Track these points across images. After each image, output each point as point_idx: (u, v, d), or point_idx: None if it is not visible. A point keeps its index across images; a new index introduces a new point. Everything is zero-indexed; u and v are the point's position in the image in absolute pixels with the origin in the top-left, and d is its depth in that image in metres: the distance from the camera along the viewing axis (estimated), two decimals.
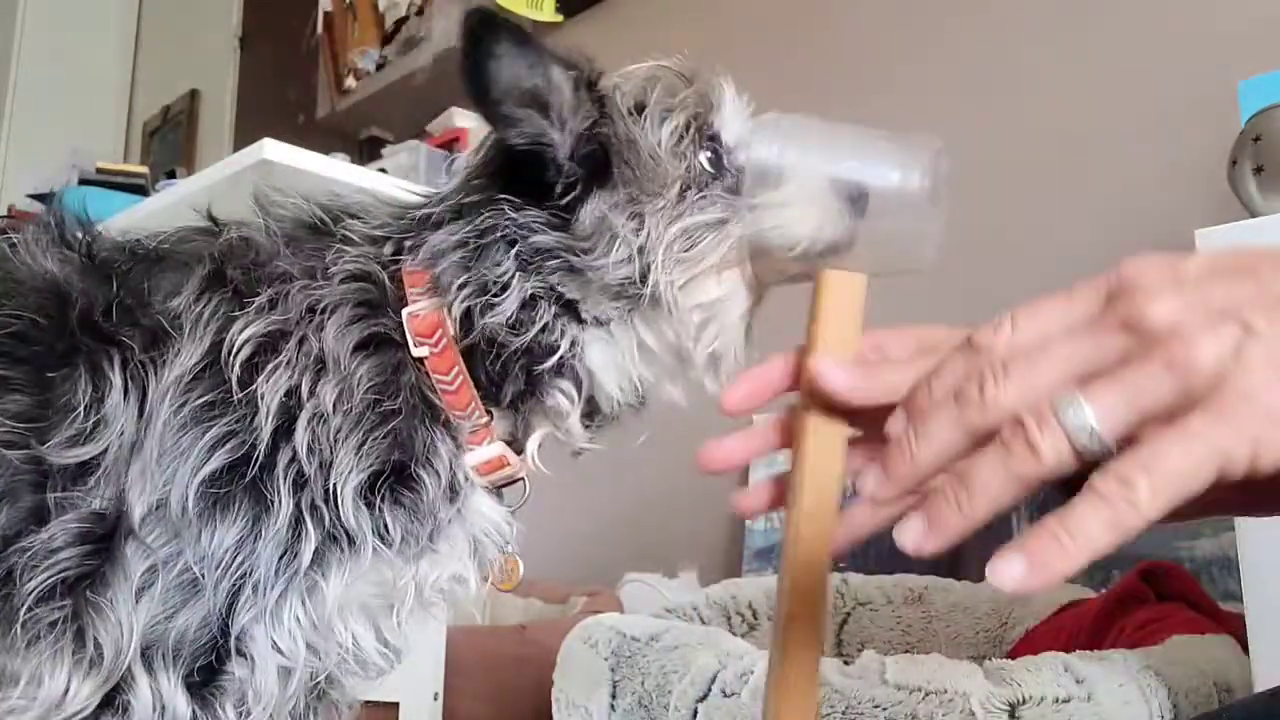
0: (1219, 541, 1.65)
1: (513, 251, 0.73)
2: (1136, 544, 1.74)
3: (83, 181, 2.73)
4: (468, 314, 0.73)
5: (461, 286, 0.73)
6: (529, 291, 0.73)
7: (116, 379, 0.68)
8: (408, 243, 0.76)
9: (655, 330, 0.76)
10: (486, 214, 0.74)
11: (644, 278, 0.73)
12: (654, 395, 0.80)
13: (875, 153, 0.75)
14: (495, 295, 0.73)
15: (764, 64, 2.37)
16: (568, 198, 0.74)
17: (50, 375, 0.69)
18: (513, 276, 0.73)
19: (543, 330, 0.74)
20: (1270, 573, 1.13)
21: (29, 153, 4.17)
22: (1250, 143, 1.35)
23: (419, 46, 3.03)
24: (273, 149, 1.59)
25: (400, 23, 3.13)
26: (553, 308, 0.74)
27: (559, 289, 0.74)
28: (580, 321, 0.75)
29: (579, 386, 0.76)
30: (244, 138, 3.92)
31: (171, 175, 2.83)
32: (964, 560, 1.88)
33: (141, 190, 2.68)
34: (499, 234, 0.73)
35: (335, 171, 1.67)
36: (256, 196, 0.78)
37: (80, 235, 0.76)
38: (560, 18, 2.98)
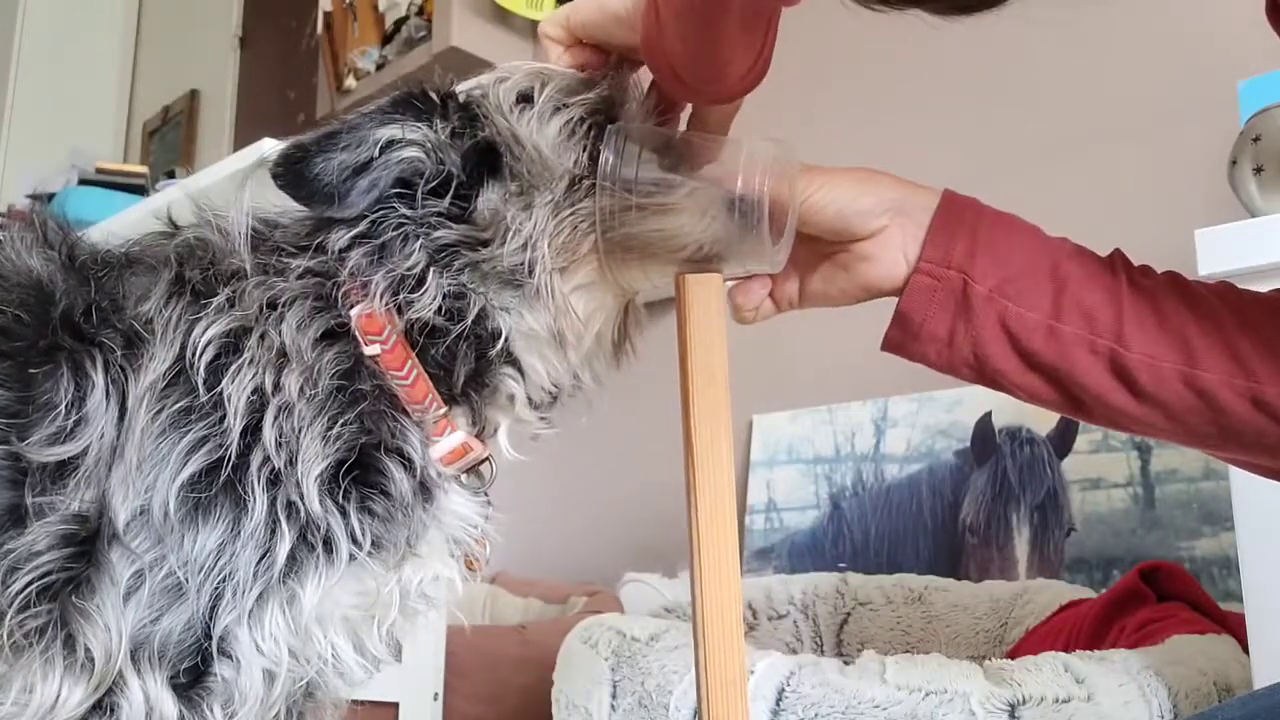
0: (1219, 541, 1.65)
1: (418, 244, 0.73)
2: (1137, 544, 1.74)
3: (83, 181, 2.73)
4: (399, 309, 0.73)
5: (382, 281, 0.73)
6: (447, 286, 0.74)
7: (99, 379, 0.68)
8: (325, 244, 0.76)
9: (536, 315, 0.76)
10: (376, 213, 0.74)
11: (531, 269, 0.74)
12: (565, 381, 0.80)
13: (724, 155, 0.76)
14: (413, 290, 0.73)
15: None
16: (459, 189, 0.74)
17: (33, 372, 0.69)
18: (427, 269, 0.73)
19: (481, 316, 0.75)
20: (1270, 573, 1.13)
21: (29, 153, 4.17)
22: (1250, 143, 1.34)
23: (419, 46, 3.02)
24: (273, 149, 1.58)
25: (400, 23, 3.12)
26: (479, 296, 0.75)
27: (467, 286, 0.74)
28: (498, 310, 0.76)
29: (521, 370, 0.78)
30: (244, 138, 3.92)
31: (171, 175, 2.84)
32: (964, 560, 1.89)
33: (141, 190, 2.68)
34: (394, 230, 0.74)
35: None
36: (197, 210, 0.79)
37: (61, 237, 0.76)
38: None
